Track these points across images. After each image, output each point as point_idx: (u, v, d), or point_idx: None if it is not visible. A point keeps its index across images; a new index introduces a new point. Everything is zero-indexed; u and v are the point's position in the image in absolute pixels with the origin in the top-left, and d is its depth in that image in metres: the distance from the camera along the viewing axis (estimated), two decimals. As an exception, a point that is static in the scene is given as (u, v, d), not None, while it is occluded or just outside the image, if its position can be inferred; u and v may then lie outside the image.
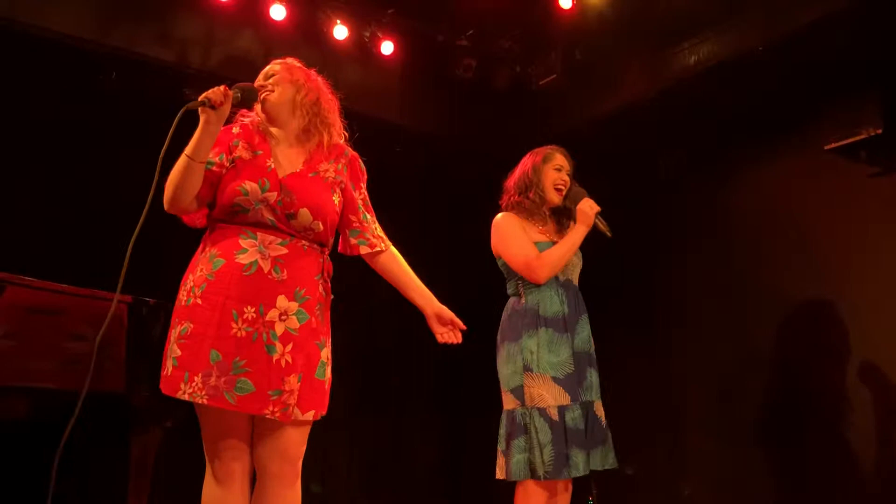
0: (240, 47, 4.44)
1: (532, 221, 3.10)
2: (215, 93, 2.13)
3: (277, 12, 4.38)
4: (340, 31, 4.57)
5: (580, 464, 2.85)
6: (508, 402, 2.97)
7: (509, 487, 2.98)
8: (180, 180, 2.14)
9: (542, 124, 4.92)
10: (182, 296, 2.20)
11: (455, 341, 2.38)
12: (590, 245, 3.10)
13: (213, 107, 2.11)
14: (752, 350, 4.18)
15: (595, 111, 4.82)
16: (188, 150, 2.13)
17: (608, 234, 3.04)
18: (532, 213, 3.10)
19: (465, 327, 2.38)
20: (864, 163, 3.76)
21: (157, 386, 2.15)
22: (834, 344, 3.87)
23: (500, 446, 2.97)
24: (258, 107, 2.32)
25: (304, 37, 4.55)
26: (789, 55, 3.89)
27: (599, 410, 2.98)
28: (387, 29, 4.70)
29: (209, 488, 2.22)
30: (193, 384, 2.07)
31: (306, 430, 2.23)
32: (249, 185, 2.18)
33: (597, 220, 3.03)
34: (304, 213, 2.21)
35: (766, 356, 4.13)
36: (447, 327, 2.37)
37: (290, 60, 2.40)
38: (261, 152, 2.27)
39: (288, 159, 2.30)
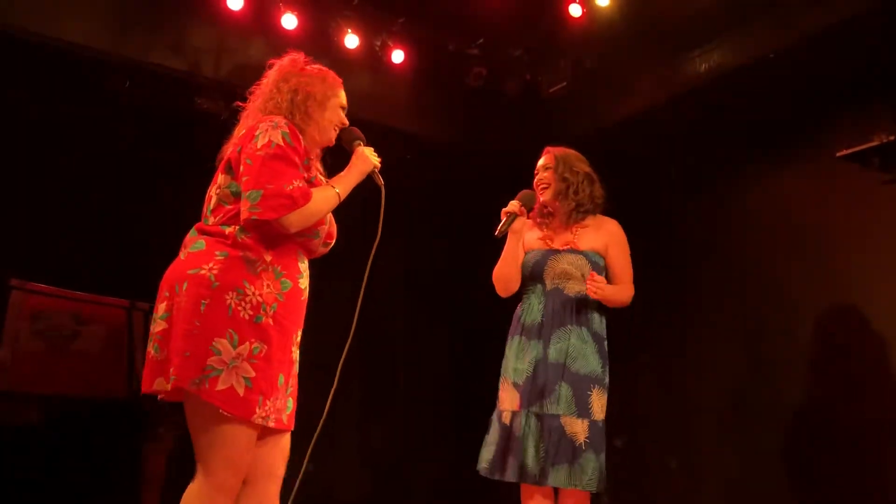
0: (251, 56, 4.46)
1: (540, 226, 3.09)
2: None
3: (289, 21, 4.40)
4: (351, 40, 4.59)
5: (515, 471, 2.81)
6: None
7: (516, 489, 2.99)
8: (326, 213, 2.20)
9: (551, 132, 4.92)
10: (244, 310, 2.02)
11: None
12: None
13: (374, 172, 2.31)
14: (764, 357, 4.15)
15: (605, 118, 4.82)
16: (342, 191, 2.21)
17: (496, 234, 2.90)
18: (540, 213, 3.08)
19: None
20: (877, 169, 3.73)
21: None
22: (848, 350, 3.85)
23: None
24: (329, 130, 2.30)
25: (316, 45, 4.55)
26: (801, 61, 3.88)
27: (573, 427, 2.78)
28: (397, 38, 4.72)
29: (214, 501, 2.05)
30: (266, 408, 2.05)
31: None
32: None
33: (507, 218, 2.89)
34: (332, 245, 2.29)
35: (779, 363, 4.10)
36: None
37: None
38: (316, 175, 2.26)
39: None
